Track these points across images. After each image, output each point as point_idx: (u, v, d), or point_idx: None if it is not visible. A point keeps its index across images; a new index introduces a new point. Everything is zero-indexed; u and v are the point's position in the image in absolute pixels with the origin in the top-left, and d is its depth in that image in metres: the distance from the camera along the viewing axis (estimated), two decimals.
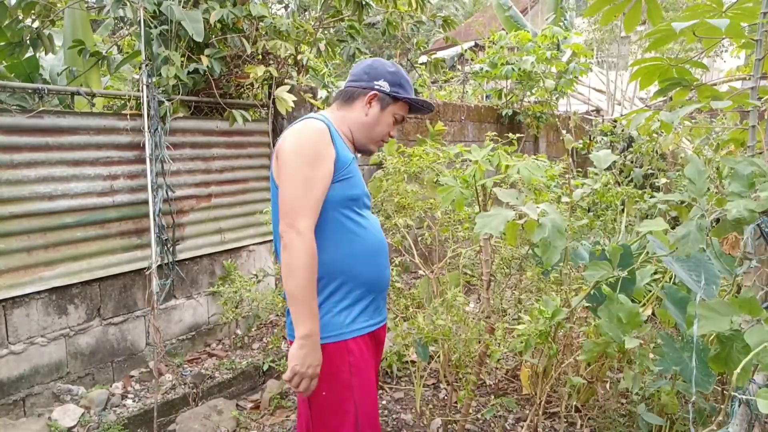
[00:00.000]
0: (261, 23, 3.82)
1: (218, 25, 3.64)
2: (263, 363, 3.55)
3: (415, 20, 5.02)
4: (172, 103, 3.36)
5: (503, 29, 7.64)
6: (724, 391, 2.03)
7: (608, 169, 3.48)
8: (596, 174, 2.58)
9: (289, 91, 3.87)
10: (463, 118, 6.16)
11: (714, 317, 1.23)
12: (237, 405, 3.24)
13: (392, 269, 2.87)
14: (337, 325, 1.63)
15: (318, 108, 4.19)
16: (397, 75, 1.73)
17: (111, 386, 3.21)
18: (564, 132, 3.83)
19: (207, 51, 3.52)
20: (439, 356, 2.87)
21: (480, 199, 2.25)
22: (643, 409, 2.14)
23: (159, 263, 3.30)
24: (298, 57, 4.11)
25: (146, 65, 3.21)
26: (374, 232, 1.72)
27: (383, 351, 1.96)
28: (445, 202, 1.99)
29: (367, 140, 1.76)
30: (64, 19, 4.07)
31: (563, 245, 1.49)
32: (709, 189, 1.32)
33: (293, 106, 3.83)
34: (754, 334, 1.14)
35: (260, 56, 3.92)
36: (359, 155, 1.86)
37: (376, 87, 1.70)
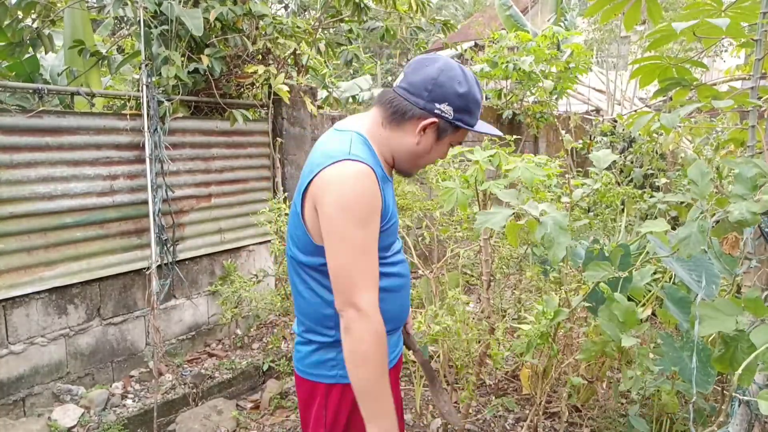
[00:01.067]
0: (261, 22, 3.82)
1: (218, 25, 3.64)
2: (263, 363, 3.55)
3: (414, 25, 5.02)
4: (172, 103, 3.36)
5: (503, 29, 7.64)
6: (724, 391, 2.03)
7: (608, 169, 3.48)
8: (596, 174, 2.58)
9: (289, 92, 3.86)
10: None
11: (719, 317, 1.23)
12: (237, 405, 3.24)
13: None
14: None
15: (314, 113, 4.16)
16: (467, 97, 1.35)
17: (111, 386, 3.21)
18: (564, 132, 3.83)
19: (207, 51, 3.52)
20: (439, 356, 2.86)
21: (480, 199, 2.25)
22: (635, 411, 2.13)
23: (159, 263, 3.30)
24: (297, 54, 4.10)
25: (146, 65, 3.20)
26: (400, 265, 1.51)
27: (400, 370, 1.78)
28: (447, 204, 1.98)
29: (411, 167, 1.47)
30: (64, 19, 4.08)
31: (567, 241, 1.47)
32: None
33: (289, 94, 3.81)
34: (760, 334, 1.14)
35: (260, 56, 3.92)
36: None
37: (437, 111, 1.34)
